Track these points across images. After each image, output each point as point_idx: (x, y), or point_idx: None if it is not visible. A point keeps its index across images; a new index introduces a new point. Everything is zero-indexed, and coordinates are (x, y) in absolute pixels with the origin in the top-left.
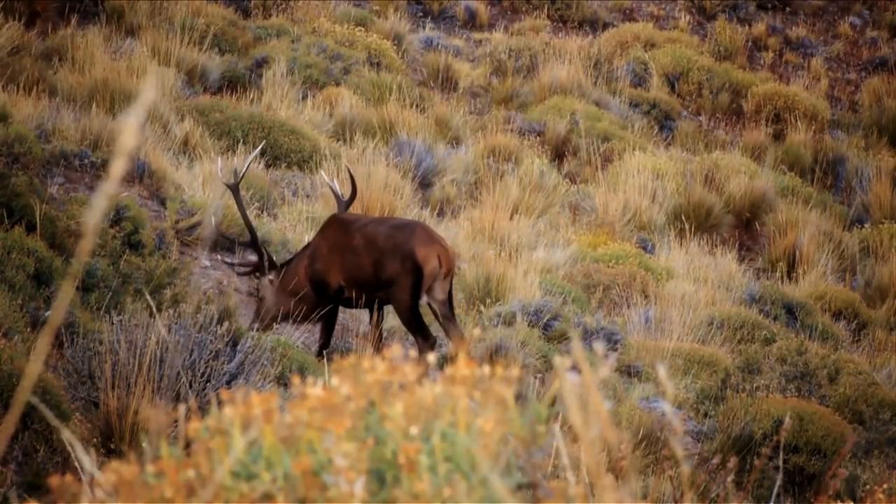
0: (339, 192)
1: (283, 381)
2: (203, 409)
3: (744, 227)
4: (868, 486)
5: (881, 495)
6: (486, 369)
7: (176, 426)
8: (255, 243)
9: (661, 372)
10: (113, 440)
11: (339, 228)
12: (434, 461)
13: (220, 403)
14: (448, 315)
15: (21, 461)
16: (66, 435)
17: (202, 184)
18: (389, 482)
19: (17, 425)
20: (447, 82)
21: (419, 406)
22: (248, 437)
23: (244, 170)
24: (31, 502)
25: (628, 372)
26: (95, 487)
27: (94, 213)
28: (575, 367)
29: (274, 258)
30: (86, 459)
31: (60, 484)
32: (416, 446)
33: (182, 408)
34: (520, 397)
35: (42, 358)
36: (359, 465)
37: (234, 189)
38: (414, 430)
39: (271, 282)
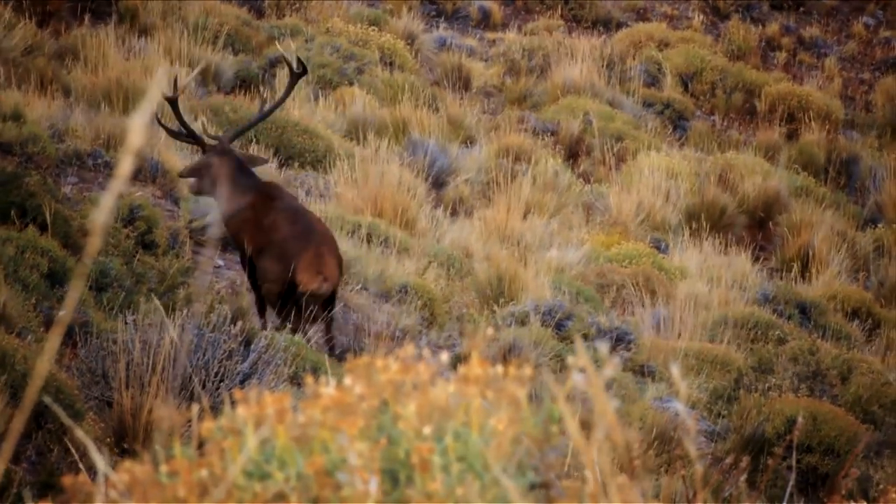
0: (294, 65)
1: (296, 381)
2: (216, 409)
3: (757, 226)
4: (881, 486)
5: (894, 495)
6: (500, 369)
7: (189, 426)
8: (193, 135)
9: (674, 371)
10: (126, 440)
11: (265, 201)
12: (447, 461)
13: (233, 403)
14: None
15: (34, 461)
16: (80, 434)
17: None
18: (402, 482)
19: (30, 425)
20: (460, 82)
21: (432, 406)
22: (261, 437)
23: (184, 83)
24: (44, 502)
25: (641, 372)
26: (109, 487)
27: (101, 211)
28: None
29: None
30: (99, 459)
31: (74, 483)
32: (428, 446)
33: (195, 407)
34: (533, 397)
35: (51, 356)
36: (372, 464)
37: (173, 103)
38: (427, 430)
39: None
